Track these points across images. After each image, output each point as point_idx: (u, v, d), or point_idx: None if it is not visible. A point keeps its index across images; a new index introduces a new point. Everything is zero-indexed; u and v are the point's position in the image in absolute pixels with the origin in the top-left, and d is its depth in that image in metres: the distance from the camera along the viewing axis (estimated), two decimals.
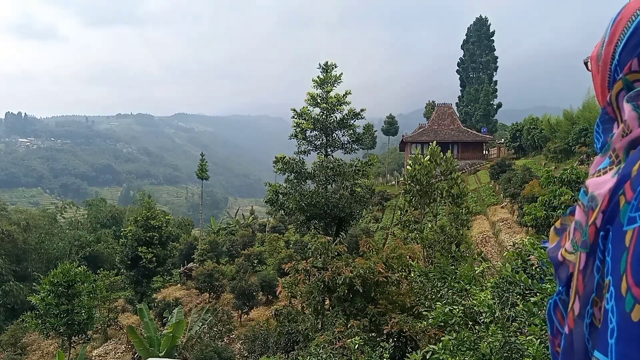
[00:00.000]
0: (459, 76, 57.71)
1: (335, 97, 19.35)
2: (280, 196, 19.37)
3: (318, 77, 19.51)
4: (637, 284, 0.74)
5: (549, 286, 4.56)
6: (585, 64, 0.99)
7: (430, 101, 61.10)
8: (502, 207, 27.57)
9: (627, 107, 0.85)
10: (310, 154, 20.03)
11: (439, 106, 49.04)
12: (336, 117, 19.61)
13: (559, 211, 16.06)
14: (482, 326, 5.08)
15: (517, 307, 4.77)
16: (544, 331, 4.07)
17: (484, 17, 56.77)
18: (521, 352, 4.26)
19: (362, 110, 19.97)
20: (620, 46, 0.86)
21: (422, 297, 8.69)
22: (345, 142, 19.97)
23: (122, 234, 26.11)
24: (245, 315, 21.07)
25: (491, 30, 55.83)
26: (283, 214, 22.96)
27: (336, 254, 10.99)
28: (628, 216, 0.77)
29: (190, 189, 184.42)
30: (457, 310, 5.67)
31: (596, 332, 0.84)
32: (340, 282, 9.68)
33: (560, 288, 0.92)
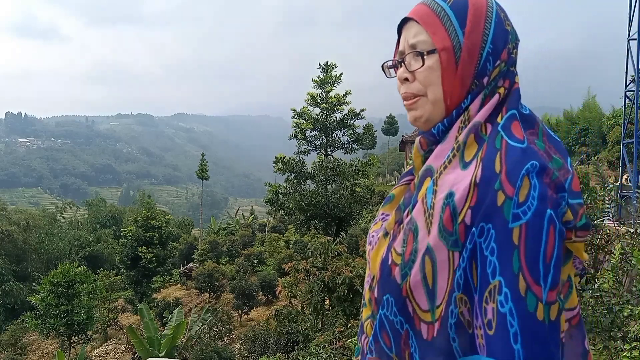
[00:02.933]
0: None
1: (335, 97, 19.33)
2: (280, 196, 19.35)
3: (318, 77, 19.50)
4: (537, 282, 0.74)
5: None
6: (383, 68, 1.03)
7: None
8: None
9: (478, 98, 0.91)
10: (310, 154, 20.02)
11: None
12: (336, 117, 19.60)
13: None
14: None
15: None
16: None
17: None
18: None
19: (362, 110, 19.97)
20: (490, 34, 0.91)
21: None
22: (345, 142, 19.95)
23: (122, 234, 26.08)
24: (245, 315, 21.03)
25: None
26: (283, 214, 22.95)
27: (336, 253, 10.98)
28: (512, 213, 0.76)
29: (190, 189, 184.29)
30: None
31: (466, 334, 0.81)
32: (340, 282, 9.66)
33: (390, 297, 0.87)
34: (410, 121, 0.99)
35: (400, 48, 0.99)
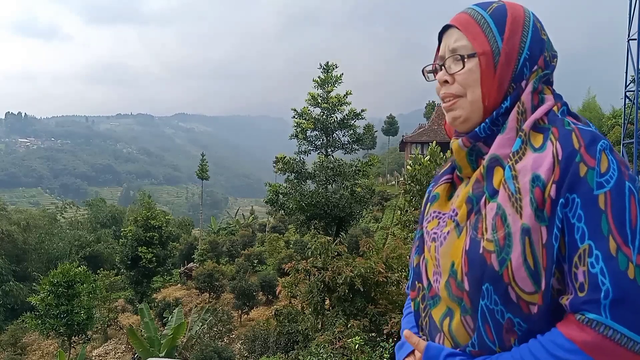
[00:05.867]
0: None
1: (335, 97, 19.34)
2: (281, 196, 19.34)
3: (319, 77, 19.51)
4: (626, 243, 0.80)
5: None
6: (423, 72, 1.10)
7: (430, 101, 61.07)
8: None
9: (528, 88, 0.97)
10: (310, 154, 20.02)
11: (439, 106, 48.61)
12: (337, 117, 19.60)
13: None
14: None
15: None
16: None
17: None
18: None
19: (362, 110, 19.97)
20: (527, 41, 0.98)
21: None
22: (346, 142, 19.94)
23: (122, 234, 26.06)
24: (245, 315, 21.04)
25: None
26: (283, 214, 22.95)
27: (336, 253, 10.97)
28: (596, 181, 0.84)
29: (191, 189, 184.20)
30: None
31: (554, 302, 0.86)
32: (340, 281, 9.66)
33: (489, 286, 0.88)
34: (448, 121, 1.05)
35: (441, 53, 1.06)
